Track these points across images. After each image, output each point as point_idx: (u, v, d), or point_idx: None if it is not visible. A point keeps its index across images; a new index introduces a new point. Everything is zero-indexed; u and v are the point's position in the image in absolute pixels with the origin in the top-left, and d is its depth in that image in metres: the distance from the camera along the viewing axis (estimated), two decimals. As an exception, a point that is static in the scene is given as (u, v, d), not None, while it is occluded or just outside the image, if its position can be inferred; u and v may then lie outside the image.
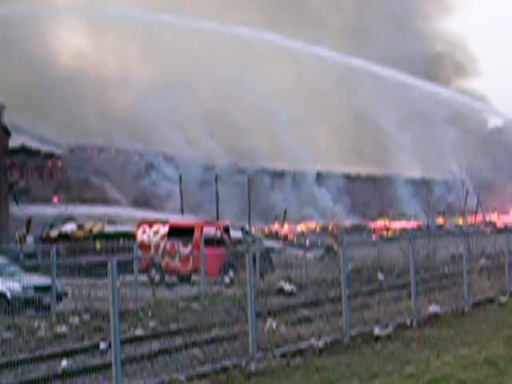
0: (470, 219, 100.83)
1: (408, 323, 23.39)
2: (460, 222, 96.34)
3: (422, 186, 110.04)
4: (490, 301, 28.74)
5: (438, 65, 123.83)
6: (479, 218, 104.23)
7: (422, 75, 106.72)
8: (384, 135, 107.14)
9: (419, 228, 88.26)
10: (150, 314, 28.06)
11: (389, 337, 21.61)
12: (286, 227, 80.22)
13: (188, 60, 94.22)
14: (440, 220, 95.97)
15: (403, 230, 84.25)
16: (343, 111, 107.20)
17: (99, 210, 75.96)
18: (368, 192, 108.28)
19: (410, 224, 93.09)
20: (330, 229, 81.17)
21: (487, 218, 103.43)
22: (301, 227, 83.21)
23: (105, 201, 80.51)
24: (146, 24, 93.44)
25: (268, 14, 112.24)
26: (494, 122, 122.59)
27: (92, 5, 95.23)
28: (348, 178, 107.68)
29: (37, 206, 77.05)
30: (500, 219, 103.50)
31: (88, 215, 73.17)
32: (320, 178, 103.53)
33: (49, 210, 77.23)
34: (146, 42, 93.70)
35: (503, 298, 29.47)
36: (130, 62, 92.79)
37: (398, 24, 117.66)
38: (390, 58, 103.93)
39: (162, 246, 45.69)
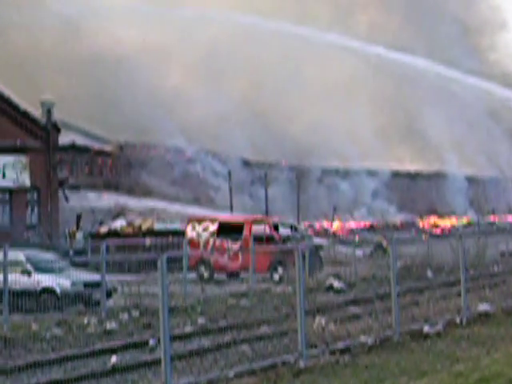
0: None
1: (457, 321, 23.30)
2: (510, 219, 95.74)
3: (472, 184, 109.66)
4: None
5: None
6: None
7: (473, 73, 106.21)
8: (434, 132, 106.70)
9: (469, 225, 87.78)
10: (199, 310, 28.15)
11: (438, 334, 21.55)
12: (335, 224, 79.95)
13: (238, 57, 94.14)
14: (490, 217, 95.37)
15: (453, 228, 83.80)
16: (393, 108, 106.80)
17: (148, 206, 76.14)
18: (417, 189, 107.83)
19: (460, 221, 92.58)
20: (379, 226, 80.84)
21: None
22: (350, 224, 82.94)
23: (154, 197, 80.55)
24: (197, 22, 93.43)
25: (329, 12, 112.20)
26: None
27: (143, 4, 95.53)
28: (397, 175, 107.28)
29: (86, 202, 77.31)
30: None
31: (137, 212, 73.39)
32: (369, 174, 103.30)
33: (99, 206, 77.53)
34: (199, 43, 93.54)
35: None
36: (180, 61, 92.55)
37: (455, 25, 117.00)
38: (442, 56, 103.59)
39: (211, 242, 45.76)
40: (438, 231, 76.36)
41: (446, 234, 66.51)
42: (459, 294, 24.49)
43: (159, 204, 77.14)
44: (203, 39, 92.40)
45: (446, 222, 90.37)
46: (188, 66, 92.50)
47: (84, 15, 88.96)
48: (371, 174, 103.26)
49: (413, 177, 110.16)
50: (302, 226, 67.73)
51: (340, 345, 19.47)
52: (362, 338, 20.33)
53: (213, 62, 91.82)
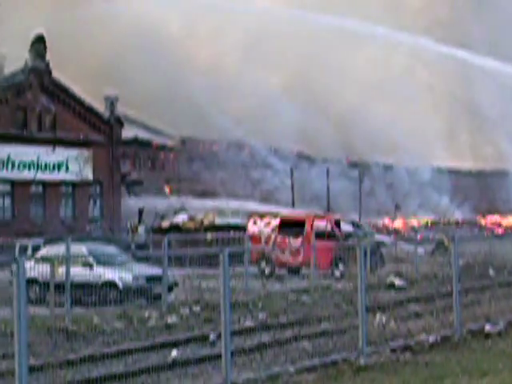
0: None
1: (520, 321, 23.17)
2: None
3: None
4: None
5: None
6: None
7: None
8: (495, 129, 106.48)
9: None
10: (259, 305, 28.14)
11: (500, 334, 21.41)
12: (397, 221, 79.79)
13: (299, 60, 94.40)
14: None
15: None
16: (453, 106, 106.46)
17: (210, 201, 76.37)
18: (479, 187, 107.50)
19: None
20: (441, 224, 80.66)
21: None
22: (412, 222, 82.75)
23: (215, 192, 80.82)
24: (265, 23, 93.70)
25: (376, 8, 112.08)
26: None
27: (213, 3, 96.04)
28: (459, 173, 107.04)
29: (148, 196, 77.73)
30: None
31: (199, 207, 73.60)
32: (431, 172, 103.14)
33: (160, 201, 77.85)
34: (265, 46, 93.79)
35: None
36: (243, 60, 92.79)
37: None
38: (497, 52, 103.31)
39: (272, 238, 45.78)
40: (500, 230, 75.84)
41: (509, 233, 66.07)
42: (521, 293, 24.36)
43: (220, 199, 77.35)
44: (258, 36, 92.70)
45: (509, 221, 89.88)
46: (245, 63, 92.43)
47: (144, 14, 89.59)
48: (432, 171, 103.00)
49: (475, 175, 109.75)
50: (366, 222, 67.50)
51: (400, 343, 19.43)
52: (423, 337, 20.26)
53: (266, 59, 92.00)
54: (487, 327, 21.86)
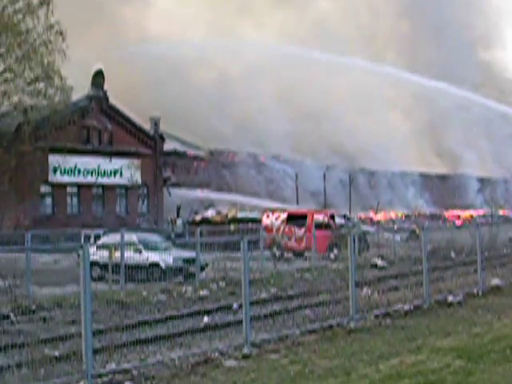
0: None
1: (475, 292, 23.20)
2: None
3: (486, 184, 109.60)
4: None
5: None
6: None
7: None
8: (455, 141, 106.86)
9: (484, 217, 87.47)
10: (271, 282, 28.17)
11: (459, 303, 21.49)
12: (379, 215, 79.80)
13: (295, 82, 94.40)
14: (501, 211, 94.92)
15: (471, 218, 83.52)
16: (420, 123, 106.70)
17: (233, 199, 76.43)
18: (442, 188, 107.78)
19: (477, 213, 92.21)
20: (413, 216, 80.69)
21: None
22: (390, 215, 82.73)
23: (237, 192, 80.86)
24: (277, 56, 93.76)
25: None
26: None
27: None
28: (427, 176, 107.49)
29: (185, 196, 77.84)
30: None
31: (224, 203, 73.69)
32: (404, 176, 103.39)
33: (195, 199, 78.02)
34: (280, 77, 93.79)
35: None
36: (250, 85, 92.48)
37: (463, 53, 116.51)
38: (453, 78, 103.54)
39: (281, 228, 45.85)
40: (459, 221, 75.95)
41: (466, 223, 66.09)
42: (476, 271, 24.39)
43: (241, 198, 77.36)
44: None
45: (466, 214, 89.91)
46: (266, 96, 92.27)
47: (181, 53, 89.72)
48: (405, 175, 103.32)
49: (439, 178, 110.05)
50: (355, 216, 67.46)
51: (382, 310, 19.49)
52: (399, 305, 20.33)
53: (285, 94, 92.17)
54: (450, 298, 21.93)
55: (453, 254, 33.38)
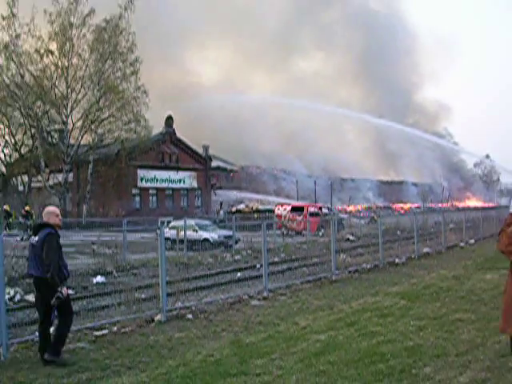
0: (446, 204, 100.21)
1: (413, 257, 23.09)
2: (440, 205, 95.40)
3: (419, 186, 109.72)
4: (455, 246, 28.26)
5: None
6: (449, 203, 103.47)
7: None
8: (401, 159, 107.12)
9: (418, 208, 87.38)
10: (281, 250, 28.12)
11: (403, 264, 21.43)
12: (350, 207, 79.66)
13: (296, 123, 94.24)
14: (429, 204, 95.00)
15: (410, 209, 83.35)
16: (376, 147, 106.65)
17: (256, 197, 76.49)
18: (390, 189, 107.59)
19: (414, 205, 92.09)
20: (372, 208, 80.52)
21: (454, 203, 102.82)
22: (357, 207, 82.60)
23: (258, 193, 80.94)
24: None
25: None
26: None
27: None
28: (381, 181, 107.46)
29: (225, 195, 78.05)
30: (463, 203, 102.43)
31: (250, 200, 73.76)
32: (366, 181, 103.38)
33: (231, 197, 78.12)
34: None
35: (462, 244, 28.96)
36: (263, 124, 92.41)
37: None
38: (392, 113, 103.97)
39: (288, 216, 45.82)
40: (402, 211, 75.71)
41: (407, 212, 65.87)
42: (413, 243, 24.29)
43: (261, 196, 77.42)
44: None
45: (407, 206, 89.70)
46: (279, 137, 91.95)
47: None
48: (367, 181, 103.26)
49: (389, 182, 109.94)
50: (335, 208, 67.27)
51: (353, 268, 19.38)
52: (364, 265, 20.22)
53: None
54: (396, 260, 21.90)
55: (398, 232, 33.20)
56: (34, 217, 43.80)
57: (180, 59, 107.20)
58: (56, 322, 9.13)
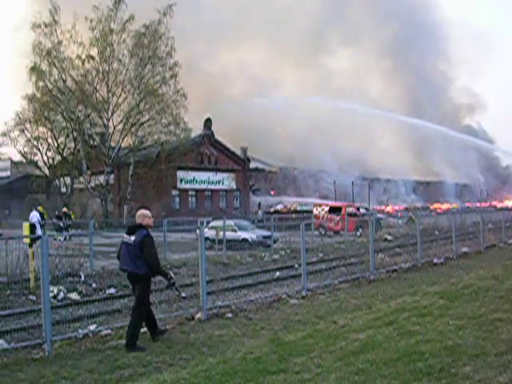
0: (484, 203, 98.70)
1: (451, 256, 22.83)
2: (477, 205, 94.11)
3: (457, 186, 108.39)
4: (494, 246, 27.87)
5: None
6: (488, 202, 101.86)
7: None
8: (438, 160, 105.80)
9: (457, 208, 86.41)
10: (319, 250, 28.03)
11: (441, 263, 21.21)
12: (387, 207, 79.10)
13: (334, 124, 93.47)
14: (467, 204, 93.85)
15: (448, 209, 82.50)
16: (412, 146, 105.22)
17: (294, 198, 76.41)
18: (429, 189, 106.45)
19: (451, 205, 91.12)
20: (410, 208, 79.86)
21: (492, 202, 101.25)
22: (395, 207, 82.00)
23: (297, 193, 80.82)
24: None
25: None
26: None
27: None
28: (418, 182, 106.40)
29: (263, 196, 78.05)
30: (502, 202, 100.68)
31: (288, 200, 73.72)
32: (404, 182, 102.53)
33: (269, 198, 78.14)
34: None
35: (501, 244, 28.55)
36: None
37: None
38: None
39: (325, 216, 45.69)
40: (440, 210, 74.98)
41: (445, 212, 65.23)
42: (452, 243, 24.01)
43: (299, 197, 77.29)
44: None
45: (445, 206, 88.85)
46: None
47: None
48: (405, 181, 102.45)
49: (427, 183, 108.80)
50: (372, 208, 66.90)
51: (391, 268, 19.28)
52: (402, 264, 20.09)
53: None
54: (435, 260, 21.69)
55: (436, 232, 32.92)
56: (72, 218, 44.22)
57: (217, 61, 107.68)
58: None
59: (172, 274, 10.18)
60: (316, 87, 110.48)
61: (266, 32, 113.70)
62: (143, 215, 10.10)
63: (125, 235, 9.88)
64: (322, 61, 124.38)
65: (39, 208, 36.16)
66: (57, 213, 43.07)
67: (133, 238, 9.72)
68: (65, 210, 43.83)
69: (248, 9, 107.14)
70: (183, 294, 11.25)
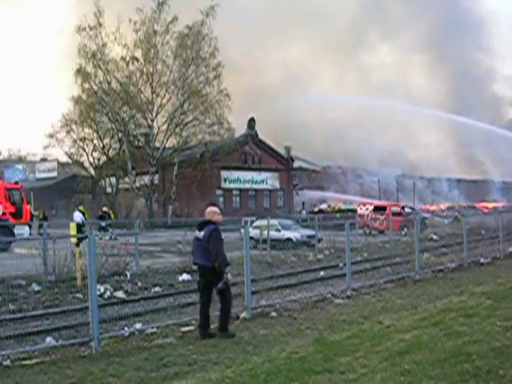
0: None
1: (498, 256, 22.54)
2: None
3: (504, 184, 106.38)
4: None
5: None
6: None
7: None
8: (482, 158, 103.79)
9: (503, 207, 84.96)
10: (364, 249, 27.90)
11: (488, 263, 20.96)
12: (433, 206, 78.10)
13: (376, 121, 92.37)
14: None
15: (494, 208, 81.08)
16: (456, 144, 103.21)
17: (338, 197, 76.02)
18: (475, 188, 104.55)
19: (498, 205, 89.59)
20: (455, 207, 78.74)
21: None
22: (440, 206, 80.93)
23: (341, 192, 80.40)
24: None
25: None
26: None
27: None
28: (464, 181, 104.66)
29: (306, 195, 77.88)
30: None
31: (332, 199, 73.43)
32: (448, 180, 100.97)
33: (314, 197, 77.90)
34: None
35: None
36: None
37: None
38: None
39: (370, 215, 45.46)
40: (486, 210, 73.70)
41: (492, 212, 64.12)
42: (499, 243, 23.70)
43: (343, 196, 76.88)
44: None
45: (491, 205, 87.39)
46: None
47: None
48: (449, 180, 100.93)
49: (473, 182, 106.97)
50: (417, 207, 66.11)
51: (437, 267, 19.11)
52: (448, 264, 19.88)
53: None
54: (481, 260, 21.45)
55: (483, 232, 32.38)
56: (112, 218, 44.61)
57: (259, 60, 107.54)
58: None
59: (229, 277, 10.58)
60: (355, 83, 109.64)
61: (305, 30, 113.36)
62: (212, 212, 10.67)
63: (196, 231, 10.56)
64: (361, 56, 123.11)
65: (80, 208, 36.66)
66: (100, 213, 43.60)
67: (202, 233, 10.35)
68: (104, 209, 44.20)
69: (287, 8, 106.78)
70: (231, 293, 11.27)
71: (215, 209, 10.77)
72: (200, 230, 10.45)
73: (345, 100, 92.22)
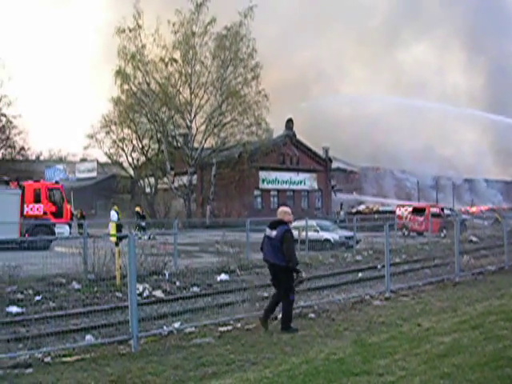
0: None
1: (541, 259, 22.14)
2: None
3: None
4: None
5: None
6: None
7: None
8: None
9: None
10: (402, 251, 27.68)
11: (530, 266, 20.61)
12: (472, 208, 77.09)
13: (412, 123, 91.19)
14: None
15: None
16: (495, 145, 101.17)
17: (376, 198, 75.60)
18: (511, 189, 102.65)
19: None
20: (495, 209, 77.60)
21: None
22: (480, 208, 79.86)
23: (379, 194, 79.87)
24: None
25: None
26: None
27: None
28: (504, 182, 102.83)
29: (344, 196, 77.63)
30: None
31: (370, 201, 73.02)
32: (488, 182, 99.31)
33: (351, 198, 77.59)
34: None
35: None
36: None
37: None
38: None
39: (409, 217, 45.15)
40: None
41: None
42: (541, 245, 23.30)
43: (381, 198, 76.42)
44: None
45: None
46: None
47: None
48: (489, 181, 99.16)
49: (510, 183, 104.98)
50: (457, 209, 65.39)
51: (477, 270, 18.88)
52: (489, 267, 19.63)
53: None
54: (524, 262, 21.08)
55: (525, 233, 31.98)
56: (145, 218, 44.90)
57: (296, 61, 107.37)
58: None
59: (303, 275, 11.19)
60: (388, 81, 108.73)
61: (339, 28, 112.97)
62: (284, 212, 11.13)
63: (267, 229, 10.91)
64: (395, 54, 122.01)
65: (115, 207, 37.11)
66: (141, 213, 43.96)
67: (274, 232, 10.72)
68: (137, 209, 44.48)
69: (323, 8, 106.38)
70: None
71: (287, 209, 11.27)
72: (272, 228, 10.83)
73: (384, 100, 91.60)
